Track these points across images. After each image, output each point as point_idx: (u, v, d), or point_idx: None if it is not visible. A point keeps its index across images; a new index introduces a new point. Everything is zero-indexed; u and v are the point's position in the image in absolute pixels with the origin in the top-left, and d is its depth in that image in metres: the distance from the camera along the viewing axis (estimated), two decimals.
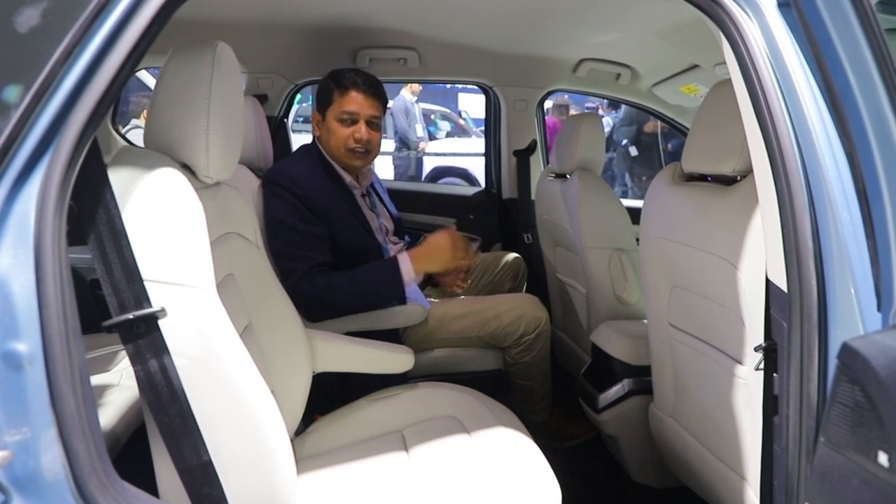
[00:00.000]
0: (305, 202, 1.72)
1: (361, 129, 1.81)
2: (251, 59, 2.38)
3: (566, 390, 2.20)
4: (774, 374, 0.95)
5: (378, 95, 1.84)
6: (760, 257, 1.02)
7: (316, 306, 1.67)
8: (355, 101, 1.80)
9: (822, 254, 0.84)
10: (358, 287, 1.70)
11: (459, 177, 7.15)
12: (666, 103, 2.71)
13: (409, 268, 1.76)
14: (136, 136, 2.84)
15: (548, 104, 6.74)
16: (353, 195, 1.89)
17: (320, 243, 1.74)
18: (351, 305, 1.72)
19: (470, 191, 3.05)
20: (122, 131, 2.77)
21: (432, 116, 9.35)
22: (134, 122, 3.77)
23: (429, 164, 7.32)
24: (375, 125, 1.85)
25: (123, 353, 0.88)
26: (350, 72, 1.83)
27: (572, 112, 5.84)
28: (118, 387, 1.50)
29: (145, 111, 3.83)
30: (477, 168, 7.13)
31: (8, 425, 0.71)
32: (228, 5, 1.95)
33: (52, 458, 0.72)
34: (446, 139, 8.92)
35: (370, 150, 1.85)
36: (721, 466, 1.32)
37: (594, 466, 1.96)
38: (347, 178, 1.88)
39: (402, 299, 1.75)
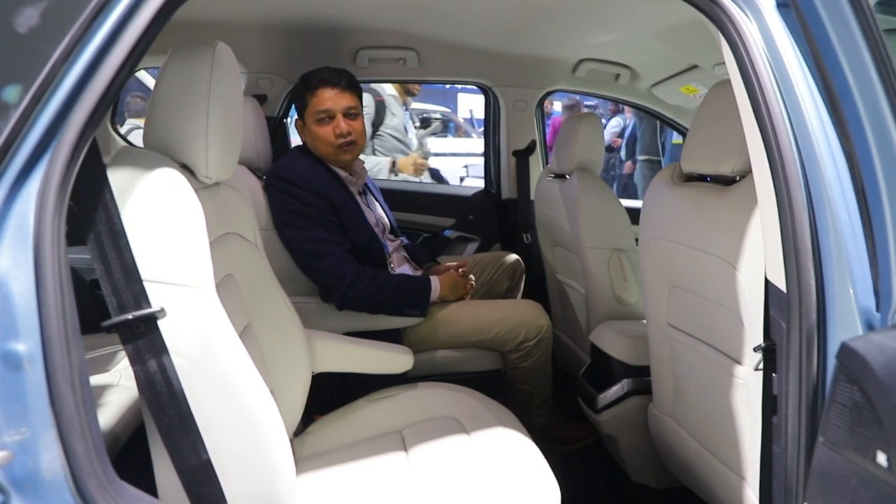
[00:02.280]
0: (316, 194, 1.75)
1: (340, 124, 1.81)
2: (250, 60, 2.38)
3: (566, 392, 2.20)
4: (773, 374, 0.96)
5: (350, 86, 1.84)
6: (759, 257, 1.02)
7: (357, 307, 1.78)
8: (327, 99, 1.80)
9: (820, 254, 0.84)
10: (397, 296, 1.79)
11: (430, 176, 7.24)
12: (665, 104, 2.71)
13: (437, 289, 1.88)
14: (134, 137, 2.84)
15: (557, 105, 6.71)
16: (352, 192, 1.90)
17: (340, 232, 1.80)
18: (386, 309, 1.81)
19: (469, 191, 3.05)
20: (122, 132, 2.77)
21: (423, 116, 9.35)
22: (131, 121, 3.77)
23: None
24: (353, 115, 1.85)
25: (123, 353, 0.88)
26: (318, 70, 1.83)
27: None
28: (117, 387, 1.50)
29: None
30: (448, 168, 7.28)
31: (7, 426, 0.71)
32: (228, 5, 1.95)
33: (51, 459, 0.72)
34: (432, 139, 8.94)
35: (355, 141, 1.85)
36: (720, 466, 1.32)
37: (593, 466, 1.96)
38: (343, 174, 1.90)
39: (424, 313, 1.84)
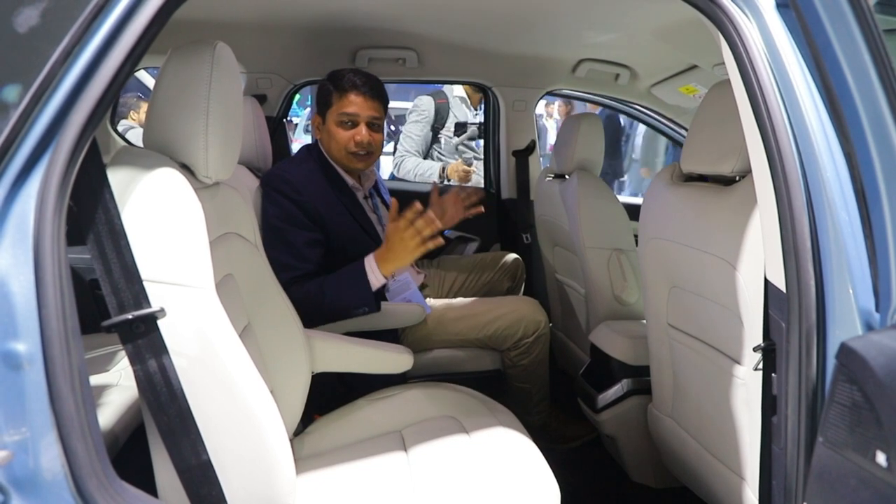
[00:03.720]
0: (302, 207, 1.70)
1: (362, 132, 1.78)
2: (250, 60, 2.38)
3: (565, 391, 2.20)
4: (773, 374, 0.96)
5: (378, 96, 1.81)
6: (759, 257, 1.02)
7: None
8: (354, 104, 1.77)
9: (820, 254, 0.84)
10: (326, 296, 1.63)
11: None
12: (664, 104, 2.71)
13: (374, 268, 1.66)
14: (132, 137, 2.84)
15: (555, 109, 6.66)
16: (356, 197, 1.88)
17: (312, 251, 1.71)
18: (325, 314, 1.64)
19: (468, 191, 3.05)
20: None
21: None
22: (123, 122, 3.77)
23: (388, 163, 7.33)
24: (376, 126, 1.83)
25: (123, 353, 0.88)
26: (350, 73, 1.80)
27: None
28: (117, 387, 1.50)
29: (132, 112, 3.84)
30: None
31: (7, 425, 0.71)
32: (227, 5, 1.95)
33: (51, 459, 0.72)
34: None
35: (371, 153, 1.83)
36: (720, 466, 1.32)
37: (593, 466, 1.96)
38: (350, 180, 1.87)
39: (372, 306, 1.66)
